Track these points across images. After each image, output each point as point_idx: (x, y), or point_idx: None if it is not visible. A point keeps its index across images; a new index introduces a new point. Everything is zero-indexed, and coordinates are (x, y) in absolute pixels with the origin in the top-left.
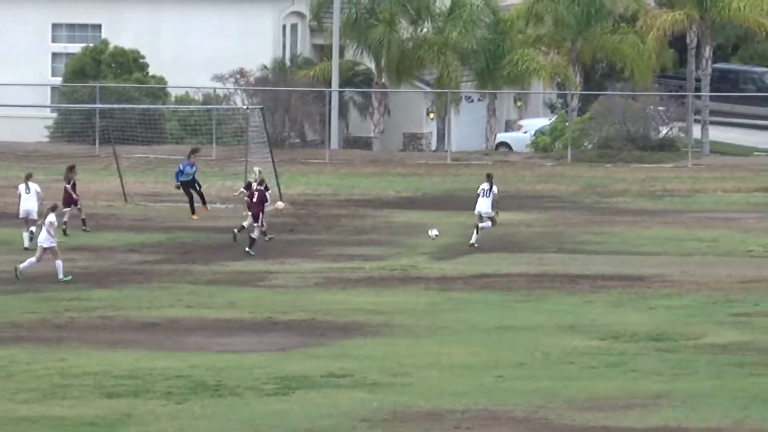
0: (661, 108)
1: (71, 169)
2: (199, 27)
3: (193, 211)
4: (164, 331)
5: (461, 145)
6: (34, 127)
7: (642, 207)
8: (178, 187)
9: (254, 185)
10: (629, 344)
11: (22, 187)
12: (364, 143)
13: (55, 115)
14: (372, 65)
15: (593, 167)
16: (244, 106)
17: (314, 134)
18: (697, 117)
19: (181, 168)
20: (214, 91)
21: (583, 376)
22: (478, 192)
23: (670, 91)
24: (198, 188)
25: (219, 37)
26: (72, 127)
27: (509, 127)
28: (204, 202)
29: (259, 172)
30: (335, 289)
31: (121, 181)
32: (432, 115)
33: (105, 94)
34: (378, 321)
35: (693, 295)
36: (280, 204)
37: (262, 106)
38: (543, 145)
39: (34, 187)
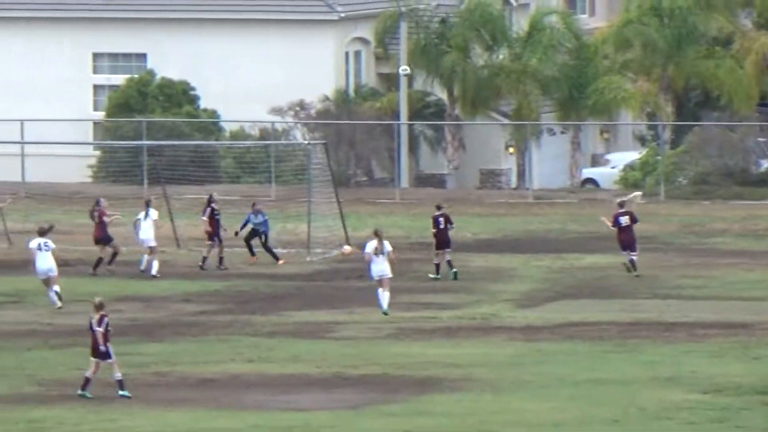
0: (761, 139)
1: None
2: (254, 55)
3: (252, 254)
4: (223, 388)
5: (543, 182)
6: (75, 167)
7: (743, 248)
8: (236, 234)
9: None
10: (733, 398)
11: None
12: (437, 181)
13: (98, 152)
14: (444, 95)
15: (689, 205)
16: (305, 142)
17: (382, 171)
18: None
19: (247, 220)
20: (272, 125)
21: None
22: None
23: None
24: (263, 241)
25: (275, 65)
26: (117, 166)
27: (595, 161)
28: (275, 256)
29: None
30: (409, 341)
31: (173, 225)
32: (511, 150)
33: (152, 130)
34: (457, 375)
35: None
36: (347, 248)
37: (324, 141)
38: (633, 180)
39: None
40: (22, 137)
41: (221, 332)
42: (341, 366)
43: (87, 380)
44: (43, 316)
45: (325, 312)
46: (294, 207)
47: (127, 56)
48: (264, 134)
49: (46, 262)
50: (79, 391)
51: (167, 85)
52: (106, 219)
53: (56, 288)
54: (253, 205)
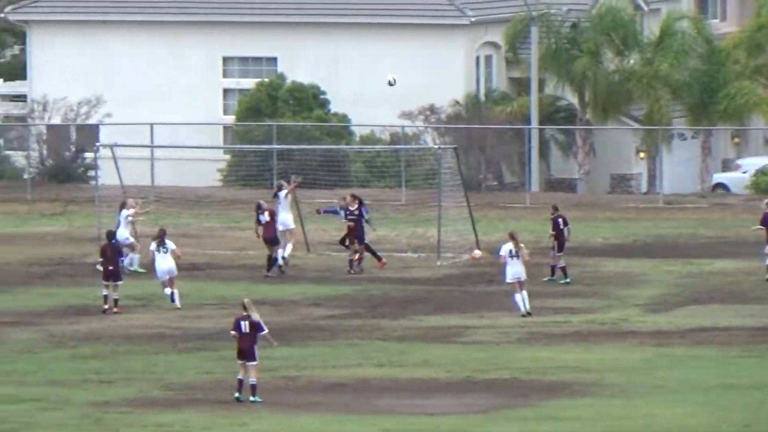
0: None
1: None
2: (384, 59)
3: (379, 258)
4: (352, 392)
5: (674, 187)
6: (205, 171)
7: None
8: (374, 230)
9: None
10: None
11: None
12: (568, 185)
13: (227, 157)
14: (575, 100)
15: None
16: (436, 146)
17: (512, 176)
18: None
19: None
20: (402, 129)
21: None
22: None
23: None
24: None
25: (406, 70)
26: (247, 170)
27: (726, 166)
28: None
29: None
30: (539, 345)
31: (303, 229)
32: (642, 154)
33: (282, 134)
34: (587, 380)
35: None
36: (477, 252)
37: (455, 146)
38: (765, 185)
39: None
40: (152, 141)
41: (351, 336)
42: (471, 370)
43: (240, 382)
44: (171, 319)
45: (456, 316)
46: (424, 211)
47: (257, 60)
48: (394, 138)
49: (165, 263)
50: (236, 394)
51: (297, 88)
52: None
53: (175, 289)
54: (345, 199)
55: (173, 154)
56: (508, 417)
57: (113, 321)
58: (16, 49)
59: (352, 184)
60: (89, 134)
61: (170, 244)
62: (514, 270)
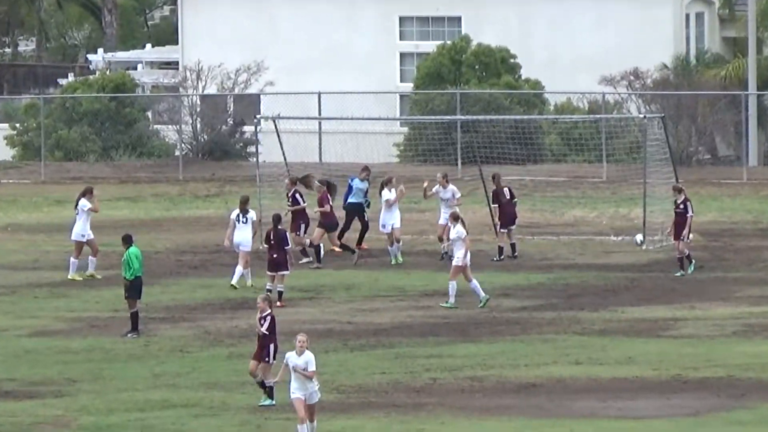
0: None
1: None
2: (582, 19)
3: (359, 242)
4: (547, 394)
5: None
6: (379, 145)
7: None
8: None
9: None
10: None
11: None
12: None
13: (405, 129)
14: None
15: None
16: (641, 115)
17: (728, 149)
18: None
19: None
20: (603, 96)
21: None
22: None
23: None
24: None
25: (606, 30)
26: (427, 144)
27: None
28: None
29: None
30: (758, 339)
31: (491, 210)
32: None
33: (467, 103)
34: None
35: None
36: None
37: (662, 115)
38: None
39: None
40: (320, 112)
41: (544, 330)
42: (681, 368)
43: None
44: (342, 313)
45: (663, 307)
46: (627, 189)
47: (438, 20)
48: (594, 107)
49: (241, 235)
50: None
51: (484, 52)
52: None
53: (241, 268)
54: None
55: (343, 126)
56: (723, 420)
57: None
58: (167, 11)
59: (545, 158)
60: (249, 105)
61: (253, 214)
62: None
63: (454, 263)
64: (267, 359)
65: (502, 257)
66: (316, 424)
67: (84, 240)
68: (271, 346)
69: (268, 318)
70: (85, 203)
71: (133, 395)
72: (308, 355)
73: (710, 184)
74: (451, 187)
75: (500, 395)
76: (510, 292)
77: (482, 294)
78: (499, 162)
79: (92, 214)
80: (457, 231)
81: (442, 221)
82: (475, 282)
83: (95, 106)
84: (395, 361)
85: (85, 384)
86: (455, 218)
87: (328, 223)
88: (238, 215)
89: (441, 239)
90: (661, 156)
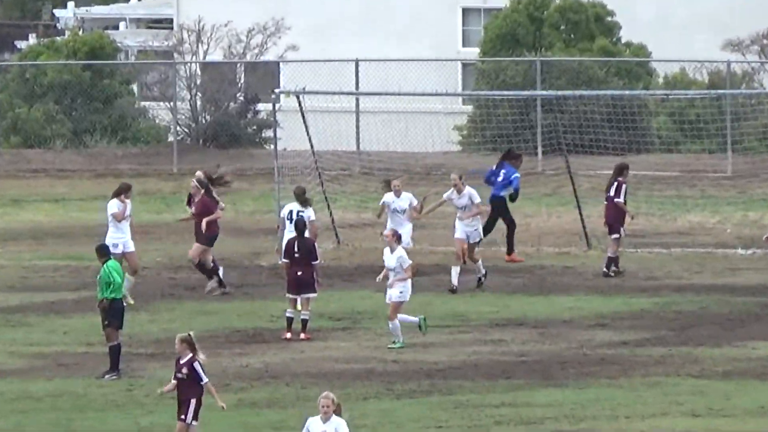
0: None
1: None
2: None
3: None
4: None
5: None
6: (435, 128)
7: None
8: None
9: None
10: None
11: None
12: None
13: (469, 108)
14: None
15: None
16: None
17: None
18: None
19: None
20: (728, 66)
21: None
22: None
23: None
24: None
25: None
26: (497, 129)
27: None
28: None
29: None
30: None
31: (581, 214)
32: None
33: (549, 74)
34: None
35: None
36: None
37: None
38: None
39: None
40: (357, 85)
41: (651, 372)
42: None
43: None
44: (386, 349)
45: None
46: (759, 187)
47: None
48: (716, 80)
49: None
50: None
51: (572, 8)
52: None
53: None
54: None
55: (387, 104)
56: None
57: (300, 352)
58: None
59: (652, 147)
60: (265, 76)
61: (310, 212)
62: None
63: (395, 299)
64: (184, 417)
65: (617, 269)
66: None
67: (119, 252)
68: (192, 402)
69: (189, 364)
70: (112, 205)
71: None
72: (336, 422)
73: None
74: (469, 190)
75: None
76: (606, 321)
77: (400, 339)
78: (590, 151)
79: (128, 219)
80: (398, 256)
81: (459, 235)
82: (397, 322)
83: (64, 77)
84: (455, 412)
85: None
86: (397, 238)
87: (210, 235)
88: (289, 213)
89: (462, 259)
90: None
